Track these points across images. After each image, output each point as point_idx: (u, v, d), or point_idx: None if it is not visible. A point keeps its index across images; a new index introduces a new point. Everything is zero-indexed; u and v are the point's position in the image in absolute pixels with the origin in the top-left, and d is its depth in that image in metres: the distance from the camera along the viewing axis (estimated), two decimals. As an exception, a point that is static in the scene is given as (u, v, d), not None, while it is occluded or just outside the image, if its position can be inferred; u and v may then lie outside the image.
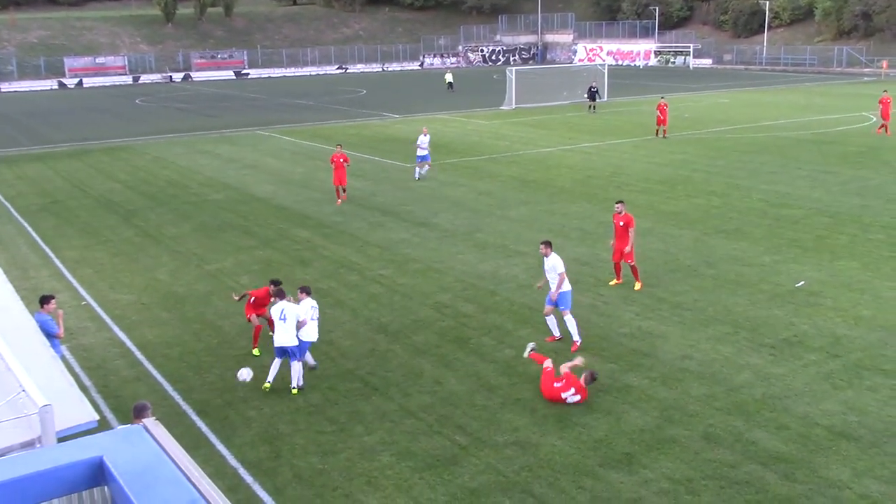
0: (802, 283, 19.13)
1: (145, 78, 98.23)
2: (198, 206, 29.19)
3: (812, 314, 17.19)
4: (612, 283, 19.39)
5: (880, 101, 41.99)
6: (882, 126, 41.15)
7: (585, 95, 56.52)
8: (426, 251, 22.76)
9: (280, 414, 13.54)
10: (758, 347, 15.59)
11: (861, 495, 10.77)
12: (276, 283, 15.38)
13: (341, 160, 28.62)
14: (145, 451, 3.05)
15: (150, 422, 3.29)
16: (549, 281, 16.11)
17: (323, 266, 21.67)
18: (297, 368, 14.24)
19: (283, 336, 14.13)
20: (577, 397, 13.38)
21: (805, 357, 15.11)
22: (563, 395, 13.40)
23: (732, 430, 12.54)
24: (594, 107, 55.24)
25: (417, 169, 32.47)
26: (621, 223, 18.76)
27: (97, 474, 3.05)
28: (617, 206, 19.14)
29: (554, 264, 15.96)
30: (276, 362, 14.39)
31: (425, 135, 31.93)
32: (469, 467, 11.76)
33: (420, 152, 31.90)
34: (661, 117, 41.91)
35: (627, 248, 18.78)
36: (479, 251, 22.53)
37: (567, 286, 15.95)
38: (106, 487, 3.10)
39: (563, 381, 13.51)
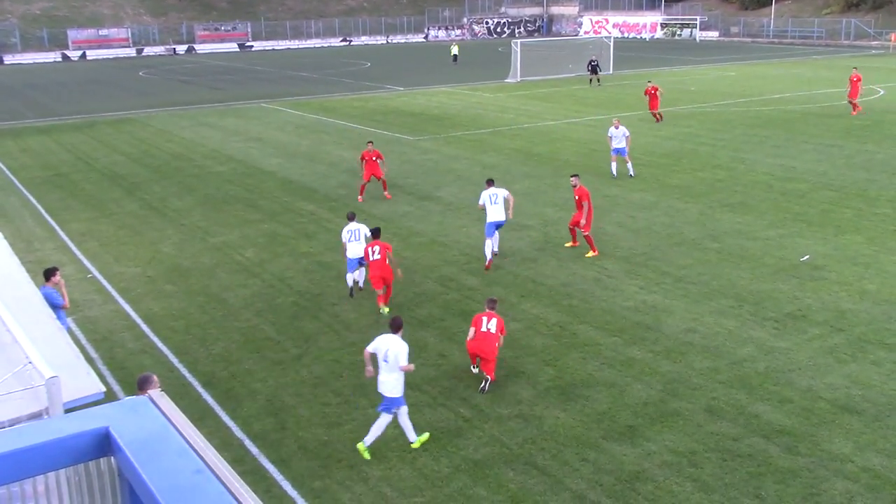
0: (807, 257, 19.10)
1: (149, 50, 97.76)
2: (202, 179, 29.17)
3: (816, 288, 17.18)
4: (567, 244, 20.27)
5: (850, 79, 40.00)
6: (851, 103, 39.92)
7: (587, 70, 56.13)
8: (430, 224, 22.76)
9: (285, 386, 13.61)
10: (761, 321, 15.60)
11: (863, 468, 10.82)
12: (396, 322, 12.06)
13: (373, 158, 25.60)
14: (151, 421, 3.07)
15: (155, 393, 3.30)
16: (490, 210, 19.08)
17: (327, 239, 21.68)
18: (381, 424, 11.60)
19: (382, 378, 11.58)
20: (494, 321, 13.32)
21: (809, 331, 15.12)
22: (488, 328, 13.28)
23: (735, 403, 12.58)
24: (599, 80, 54.84)
25: (614, 164, 27.77)
26: (576, 197, 19.24)
27: (103, 445, 3.07)
28: (571, 179, 19.69)
29: (505, 196, 19.23)
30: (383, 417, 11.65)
31: (617, 127, 27.43)
32: (473, 439, 11.83)
33: (616, 144, 27.39)
34: (651, 101, 38.20)
35: (583, 221, 19.26)
36: (482, 224, 22.45)
37: (493, 217, 19.03)
38: (112, 458, 3.11)
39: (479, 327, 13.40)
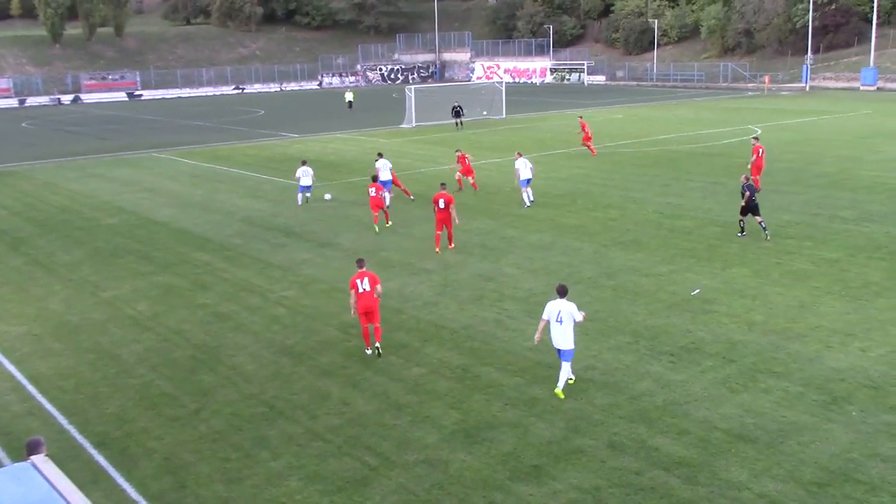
0: (697, 291, 19.74)
1: (32, 100, 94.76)
2: (91, 232, 28.23)
3: (708, 321, 17.75)
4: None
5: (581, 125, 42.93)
6: (587, 144, 42.58)
7: (451, 115, 57.35)
8: (330, 271, 22.57)
9: (183, 443, 13.16)
10: (657, 355, 15.99)
11: (759, 495, 11.13)
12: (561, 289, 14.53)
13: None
14: (34, 489, 2.91)
15: (39, 459, 3.14)
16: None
17: (224, 289, 21.24)
18: (566, 370, 14.36)
19: (560, 338, 14.08)
20: (367, 279, 16.04)
21: (703, 363, 15.57)
22: (364, 288, 16.00)
23: (636, 437, 12.80)
24: (462, 123, 56.31)
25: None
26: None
27: (-17, 517, 2.89)
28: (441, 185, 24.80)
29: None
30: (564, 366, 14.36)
31: (518, 157, 30.19)
32: (379, 488, 11.66)
33: (523, 175, 29.77)
34: (463, 169, 33.14)
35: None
36: (383, 270, 22.42)
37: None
38: (-7, 531, 2.93)
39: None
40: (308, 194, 31.86)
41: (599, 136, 49.47)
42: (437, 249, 23.96)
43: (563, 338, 14.05)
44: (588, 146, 42.51)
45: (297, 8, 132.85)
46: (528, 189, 30.39)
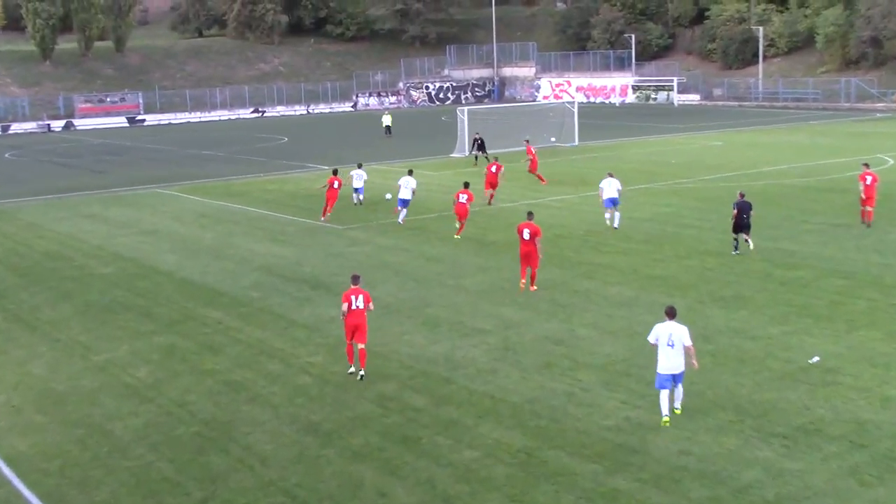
0: (817, 358, 19.39)
1: (17, 127, 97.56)
2: (83, 283, 28.79)
3: (830, 396, 17.40)
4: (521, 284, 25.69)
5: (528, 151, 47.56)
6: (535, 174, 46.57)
7: (474, 147, 56.54)
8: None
9: (186, 540, 13.21)
10: (768, 438, 15.70)
11: None
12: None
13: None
14: None
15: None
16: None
17: (238, 353, 21.43)
18: (680, 392, 16.57)
19: (673, 362, 16.05)
20: (361, 297, 18.94)
21: (824, 448, 15.24)
22: (357, 305, 18.95)
23: (742, 540, 12.53)
24: (487, 157, 55.71)
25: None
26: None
27: None
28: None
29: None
30: (665, 393, 16.24)
31: (611, 176, 33.96)
32: None
33: (608, 195, 33.50)
34: (492, 178, 40.33)
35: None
36: (429, 330, 22.49)
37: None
38: None
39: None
40: (361, 196, 40.96)
41: (693, 168, 49.32)
42: (522, 285, 25.67)
43: (677, 362, 15.97)
44: (536, 174, 46.31)
45: (327, 16, 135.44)
46: (615, 212, 33.47)
